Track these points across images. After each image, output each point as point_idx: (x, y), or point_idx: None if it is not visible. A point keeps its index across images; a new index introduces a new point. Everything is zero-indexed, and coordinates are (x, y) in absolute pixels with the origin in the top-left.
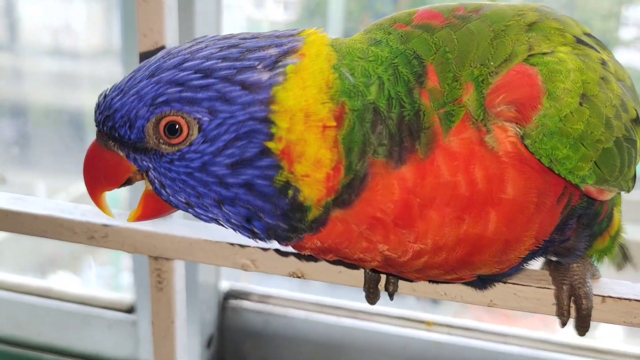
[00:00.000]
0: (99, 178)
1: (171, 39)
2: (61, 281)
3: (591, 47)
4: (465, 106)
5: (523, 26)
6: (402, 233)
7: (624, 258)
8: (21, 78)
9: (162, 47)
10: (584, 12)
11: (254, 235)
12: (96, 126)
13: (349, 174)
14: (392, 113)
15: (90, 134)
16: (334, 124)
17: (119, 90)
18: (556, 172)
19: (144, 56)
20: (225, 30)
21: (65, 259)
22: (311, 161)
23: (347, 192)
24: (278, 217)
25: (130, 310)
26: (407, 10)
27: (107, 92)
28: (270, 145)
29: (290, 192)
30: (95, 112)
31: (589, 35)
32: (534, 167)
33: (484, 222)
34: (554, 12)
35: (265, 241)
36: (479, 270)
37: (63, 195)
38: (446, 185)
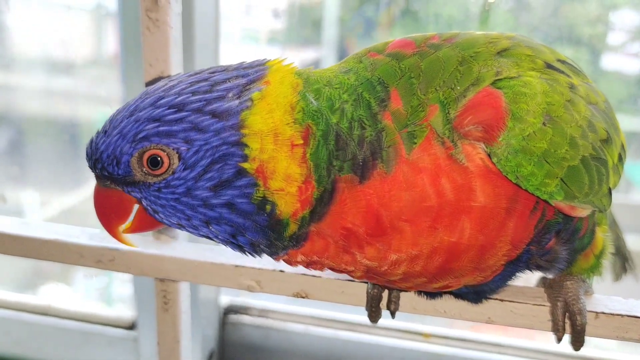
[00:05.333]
0: (110, 216)
1: (176, 69)
2: (52, 293)
3: (562, 72)
4: (430, 126)
5: (493, 52)
6: (376, 243)
7: (622, 268)
8: (11, 89)
9: (167, 77)
10: (572, 18)
11: (241, 249)
12: (92, 171)
13: (320, 187)
14: (354, 134)
15: (83, 145)
16: (301, 141)
17: (103, 133)
18: (523, 188)
19: (148, 85)
20: (223, 54)
21: (56, 270)
22: (282, 176)
23: (319, 206)
24: (258, 233)
25: (131, 327)
26: (386, 40)
27: (93, 138)
28: (245, 165)
29: (268, 207)
30: (87, 159)
31: (563, 62)
32: (503, 177)
33: (458, 230)
34: (530, 40)
35: (254, 256)
36: (462, 278)
37: (55, 207)
38: (413, 197)
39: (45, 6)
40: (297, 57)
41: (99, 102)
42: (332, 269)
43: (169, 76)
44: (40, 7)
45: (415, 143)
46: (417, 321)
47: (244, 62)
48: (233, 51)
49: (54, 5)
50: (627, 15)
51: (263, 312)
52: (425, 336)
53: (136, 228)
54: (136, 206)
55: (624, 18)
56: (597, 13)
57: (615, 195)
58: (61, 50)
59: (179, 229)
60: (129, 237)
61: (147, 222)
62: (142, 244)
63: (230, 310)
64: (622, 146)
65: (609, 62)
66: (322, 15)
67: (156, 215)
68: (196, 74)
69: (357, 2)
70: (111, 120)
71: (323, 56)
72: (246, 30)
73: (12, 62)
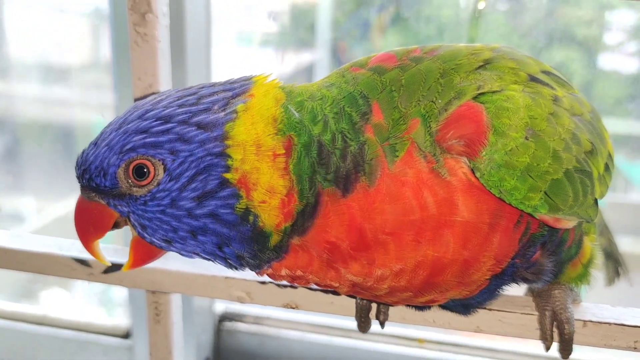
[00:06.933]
0: (87, 228)
1: (164, 82)
2: (51, 299)
3: (546, 84)
4: (411, 139)
5: (475, 65)
6: (360, 258)
7: (615, 273)
8: (8, 96)
9: (155, 92)
10: (567, 19)
11: (228, 263)
12: (78, 182)
13: (302, 201)
14: (337, 147)
15: (78, 150)
16: (283, 151)
17: (93, 145)
18: (507, 202)
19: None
20: (216, 57)
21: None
22: (265, 188)
23: (302, 219)
24: (243, 243)
25: (126, 335)
26: (367, 55)
27: (85, 149)
28: (228, 176)
29: (251, 218)
30: (75, 168)
31: (548, 73)
32: (487, 191)
33: (441, 244)
34: (514, 51)
35: (239, 269)
36: (447, 292)
37: (51, 213)
38: (396, 210)
39: (42, 11)
40: (292, 60)
41: (95, 108)
42: (318, 285)
43: (158, 92)
44: (37, 12)
45: (397, 156)
46: (412, 327)
47: (231, 78)
48: (226, 54)
49: (51, 10)
50: (624, 14)
51: (258, 320)
52: (420, 342)
53: (135, 262)
54: (125, 227)
55: (621, 17)
56: (593, 14)
57: (614, 195)
58: (58, 54)
59: (168, 246)
60: (102, 254)
61: (145, 253)
62: None
63: (225, 317)
64: (609, 155)
65: (606, 61)
66: (317, 18)
67: (145, 234)
68: (185, 89)
69: (351, 5)
70: (102, 133)
71: (317, 59)
72: (240, 32)
73: (8, 68)
